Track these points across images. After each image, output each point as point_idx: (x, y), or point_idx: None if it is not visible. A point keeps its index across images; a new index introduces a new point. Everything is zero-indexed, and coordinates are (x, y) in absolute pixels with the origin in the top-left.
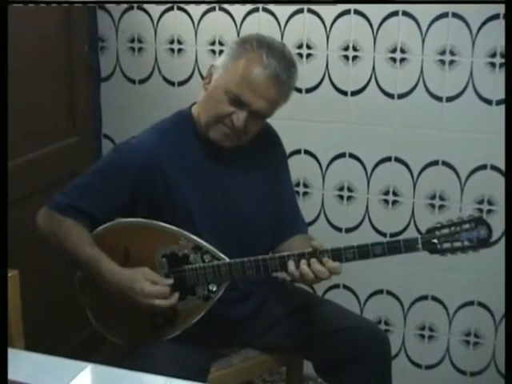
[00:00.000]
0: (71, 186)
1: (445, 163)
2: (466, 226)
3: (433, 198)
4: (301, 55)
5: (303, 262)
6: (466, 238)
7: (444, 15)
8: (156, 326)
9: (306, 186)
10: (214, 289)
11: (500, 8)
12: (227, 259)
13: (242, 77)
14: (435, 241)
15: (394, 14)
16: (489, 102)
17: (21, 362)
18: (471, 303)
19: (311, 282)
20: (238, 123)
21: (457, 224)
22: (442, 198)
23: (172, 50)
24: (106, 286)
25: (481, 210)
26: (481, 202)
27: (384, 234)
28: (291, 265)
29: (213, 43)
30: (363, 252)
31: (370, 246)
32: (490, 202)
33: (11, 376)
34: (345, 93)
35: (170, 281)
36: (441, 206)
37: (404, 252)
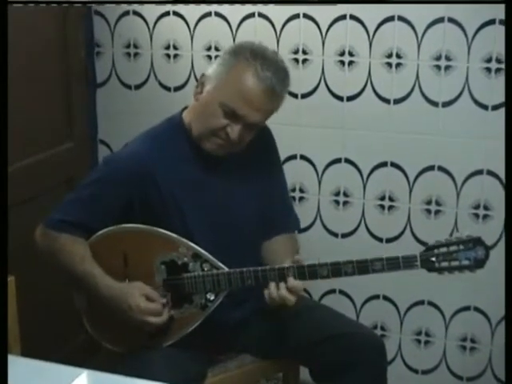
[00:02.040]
0: (65, 202)
1: (441, 168)
2: (464, 245)
3: (429, 203)
4: (297, 60)
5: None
6: (464, 258)
7: (440, 20)
8: (152, 333)
9: (302, 191)
10: (212, 298)
11: (495, 13)
12: (226, 269)
13: (237, 90)
14: (433, 259)
15: (390, 19)
16: (485, 107)
17: (17, 367)
18: (467, 308)
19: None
20: (233, 135)
21: (455, 243)
22: (438, 204)
23: (168, 55)
24: (101, 301)
25: (477, 215)
26: (477, 207)
27: (380, 239)
28: (272, 286)
29: (209, 48)
30: (362, 267)
31: (369, 262)
32: (486, 207)
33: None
34: (341, 98)
35: (165, 300)
36: (437, 212)
37: (403, 269)
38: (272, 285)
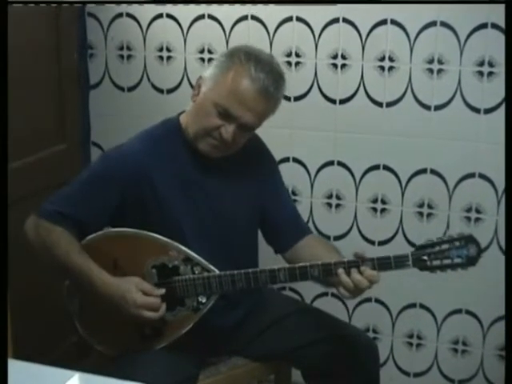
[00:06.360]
0: (60, 195)
1: (433, 171)
2: (456, 243)
3: (421, 206)
4: (289, 63)
5: (341, 271)
6: (456, 256)
7: (432, 24)
8: (144, 336)
9: (294, 193)
10: (204, 300)
11: (488, 17)
12: (217, 271)
13: (231, 90)
14: (425, 258)
15: (383, 22)
16: (477, 110)
17: (9, 370)
18: (459, 311)
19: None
20: (227, 136)
21: (447, 241)
22: (430, 206)
23: (161, 57)
24: (96, 296)
25: (469, 219)
26: (469, 210)
27: (372, 242)
28: (342, 272)
29: (202, 51)
30: (353, 267)
31: (360, 262)
32: (477, 211)
33: None
34: (333, 101)
35: (162, 291)
36: (429, 214)
37: (394, 268)
38: (341, 272)
